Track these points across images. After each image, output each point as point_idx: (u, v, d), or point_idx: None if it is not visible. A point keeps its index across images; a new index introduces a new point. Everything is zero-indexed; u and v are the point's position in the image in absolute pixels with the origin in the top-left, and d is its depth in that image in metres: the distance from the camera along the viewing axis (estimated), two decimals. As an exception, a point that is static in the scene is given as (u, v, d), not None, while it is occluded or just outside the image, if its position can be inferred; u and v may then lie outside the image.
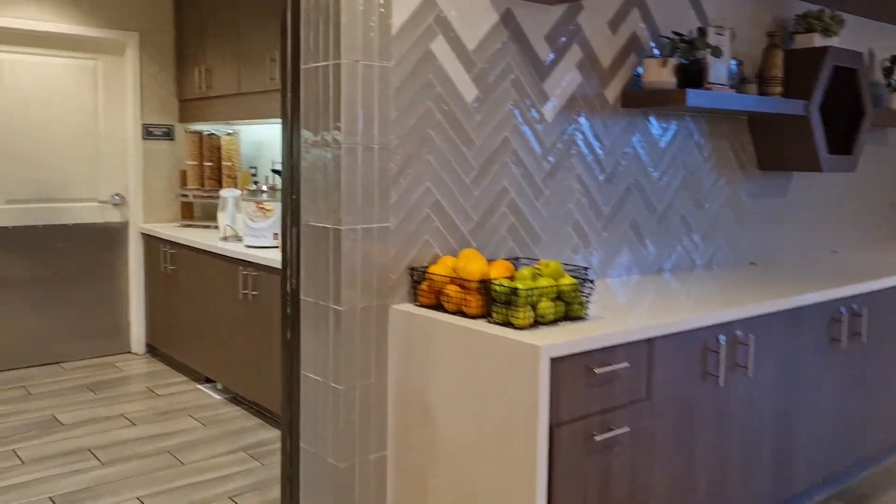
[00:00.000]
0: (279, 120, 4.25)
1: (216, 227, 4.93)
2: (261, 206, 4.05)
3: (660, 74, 2.98)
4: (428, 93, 2.48)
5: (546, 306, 2.21)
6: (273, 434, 3.81)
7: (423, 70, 2.46)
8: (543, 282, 2.24)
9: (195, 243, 4.40)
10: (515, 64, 2.69)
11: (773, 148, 3.64)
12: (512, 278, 2.33)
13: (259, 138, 5.13)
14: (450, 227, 2.58)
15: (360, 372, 2.41)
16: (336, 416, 2.40)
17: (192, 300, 4.55)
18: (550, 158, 2.83)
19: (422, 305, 2.45)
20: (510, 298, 2.17)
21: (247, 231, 4.09)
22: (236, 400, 4.30)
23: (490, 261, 2.62)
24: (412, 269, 2.48)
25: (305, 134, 2.44)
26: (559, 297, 2.27)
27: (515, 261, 2.76)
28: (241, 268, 3.99)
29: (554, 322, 2.25)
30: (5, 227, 4.75)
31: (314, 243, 2.44)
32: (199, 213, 5.33)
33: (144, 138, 5.07)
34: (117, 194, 5.11)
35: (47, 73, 4.83)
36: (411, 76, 2.43)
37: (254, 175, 5.09)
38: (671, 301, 2.65)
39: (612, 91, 3.02)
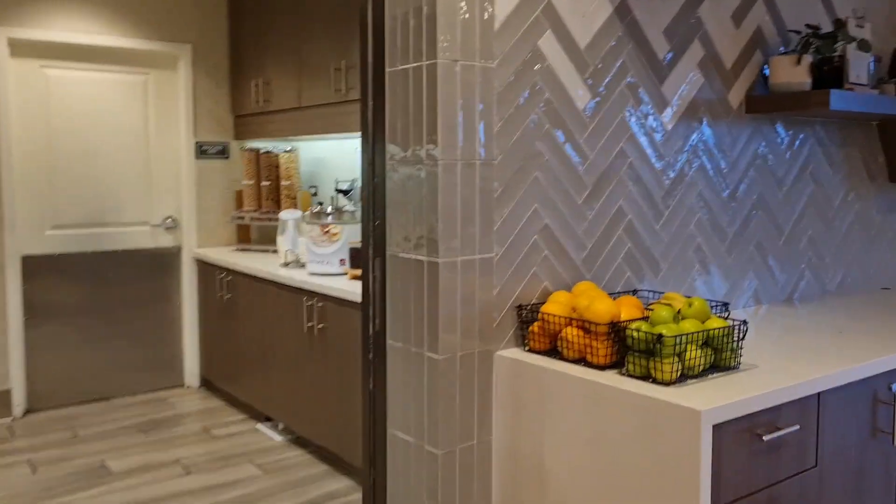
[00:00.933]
0: (343, 134, 3.91)
1: (275, 252, 4.60)
2: (326, 229, 3.70)
3: (793, 74, 2.55)
4: (536, 98, 2.09)
5: (695, 355, 1.79)
6: (342, 485, 3.43)
7: (531, 71, 2.07)
8: (689, 325, 1.83)
9: (253, 270, 4.07)
10: (632, 64, 2.29)
11: (910, 157, 3.17)
12: (646, 319, 1.92)
13: (320, 155, 4.80)
14: (561, 257, 2.18)
15: (462, 433, 2.02)
16: (433, 484, 2.00)
17: (250, 331, 4.21)
18: (671, 173, 2.42)
19: (532, 351, 2.05)
20: (652, 346, 1.76)
21: (310, 257, 3.75)
22: (299, 441, 3.94)
23: (610, 295, 2.22)
24: (520, 307, 2.09)
25: (392, 149, 2.07)
26: (706, 342, 1.85)
27: (634, 293, 2.35)
28: (305, 298, 3.64)
29: (703, 374, 1.83)
30: (51, 255, 4.48)
31: (403, 278, 2.06)
32: (256, 236, 5.01)
33: (198, 157, 4.78)
34: (170, 217, 4.82)
35: (96, 89, 4.56)
36: (517, 79, 2.05)
37: (315, 195, 4.76)
38: (824, 341, 2.21)
39: (736, 94, 2.60)
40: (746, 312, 2.63)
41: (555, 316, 1.98)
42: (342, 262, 3.71)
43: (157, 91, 4.72)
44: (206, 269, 4.69)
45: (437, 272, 1.94)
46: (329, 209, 3.75)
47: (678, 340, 1.74)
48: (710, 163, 2.53)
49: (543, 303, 2.12)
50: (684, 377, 1.80)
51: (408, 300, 2.05)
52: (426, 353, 2.00)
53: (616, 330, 1.87)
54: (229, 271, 4.38)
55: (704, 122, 2.50)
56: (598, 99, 2.22)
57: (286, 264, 4.07)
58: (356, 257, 3.61)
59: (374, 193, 2.19)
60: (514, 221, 2.07)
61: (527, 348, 2.07)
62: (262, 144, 4.87)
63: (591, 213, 2.24)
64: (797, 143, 2.82)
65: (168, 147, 4.78)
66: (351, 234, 3.73)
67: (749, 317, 2.57)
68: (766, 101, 2.60)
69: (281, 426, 4.12)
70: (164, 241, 4.82)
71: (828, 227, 2.98)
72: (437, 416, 1.98)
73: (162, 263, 4.81)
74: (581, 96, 2.18)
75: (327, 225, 3.70)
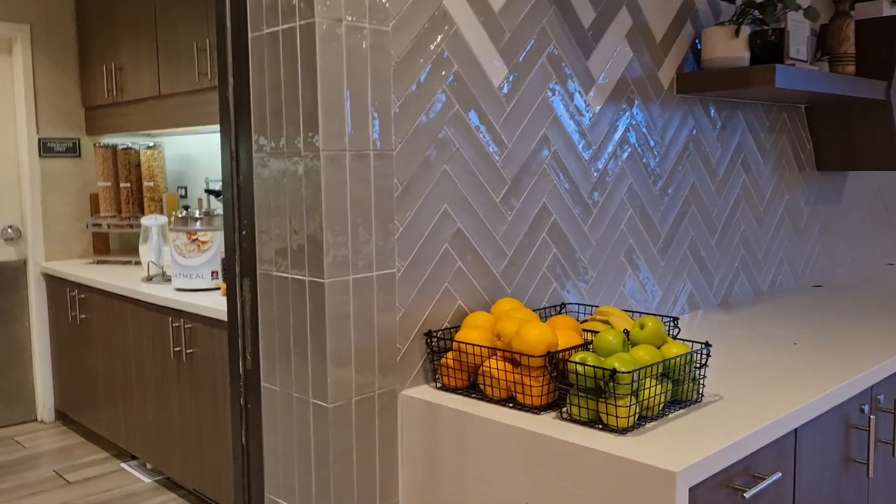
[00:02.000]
0: (211, 127, 3.38)
1: (138, 264, 4.01)
2: (194, 237, 3.17)
3: (730, 48, 2.23)
4: (442, 71, 1.67)
5: (654, 392, 1.42)
6: (221, 534, 2.93)
7: (435, 37, 1.65)
8: (644, 353, 1.45)
9: (110, 286, 3.49)
10: (553, 32, 1.90)
11: (839, 143, 2.94)
12: (588, 346, 1.53)
13: (187, 152, 4.24)
14: (477, 269, 1.77)
15: (360, 497, 1.58)
16: (326, 568, 1.56)
17: (109, 357, 3.62)
18: (599, 164, 2.05)
19: (447, 388, 1.63)
20: (602, 384, 1.38)
21: (176, 269, 3.21)
22: (171, 484, 3.39)
23: (536, 313, 1.83)
24: (430, 334, 1.67)
25: (260, 140, 1.61)
26: (664, 373, 1.48)
27: (563, 309, 1.96)
28: (171, 318, 3.10)
29: (662, 412, 1.46)
30: None
31: (279, 303, 1.60)
32: (116, 246, 4.39)
33: (42, 156, 4.12)
34: (10, 226, 4.14)
35: (-87, 79, 3.85)
36: (418, 46, 1.62)
37: (184, 196, 4.20)
38: (783, 357, 1.89)
39: (667, 72, 2.26)
40: (684, 322, 2.30)
41: (474, 346, 1.56)
42: (214, 274, 3.19)
43: (-9, 79, 4.04)
44: (57, 286, 4.04)
45: (322, 295, 1.49)
46: (197, 213, 3.22)
47: (636, 377, 1.36)
48: (641, 151, 2.19)
49: (458, 327, 1.71)
50: (642, 419, 1.42)
51: (286, 331, 1.59)
52: (312, 400, 1.55)
53: (553, 362, 1.47)
54: (83, 287, 3.76)
55: (635, 104, 2.15)
56: (516, 74, 1.82)
57: (149, 278, 3.51)
58: (225, 267, 3.10)
59: (238, 196, 1.71)
60: (419, 227, 1.65)
61: (439, 385, 1.65)
62: (121, 140, 4.26)
63: (511, 213, 1.84)
64: (728, 127, 2.52)
65: (4, 145, 4.10)
66: (223, 240, 3.21)
67: (686, 326, 2.24)
68: (699, 80, 2.27)
69: (150, 466, 3.56)
70: (5, 254, 4.14)
71: (759, 222, 2.70)
72: (327, 478, 1.53)
73: (4, 280, 4.13)
74: (497, 69, 1.78)
75: (195, 232, 3.17)
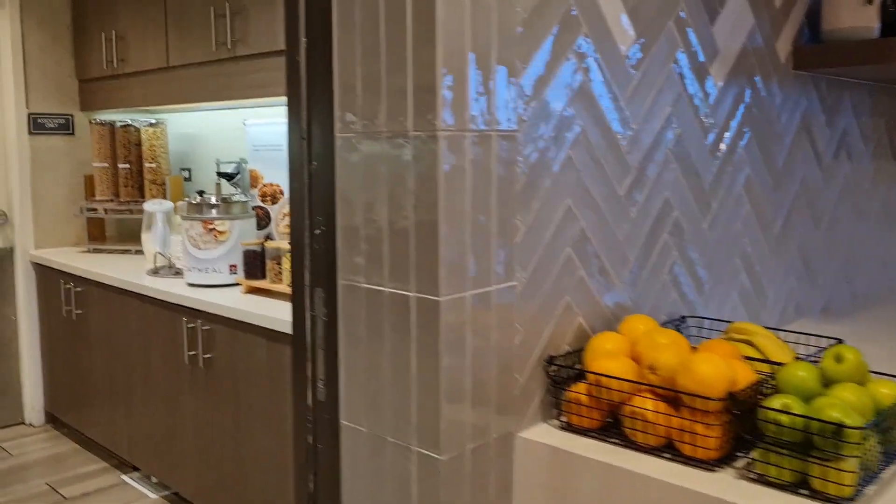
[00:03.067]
0: (227, 103, 3.02)
1: (138, 253, 3.64)
2: (210, 226, 2.82)
3: (858, 17, 1.92)
4: (570, 32, 1.34)
5: (872, 446, 1.10)
6: (244, 563, 2.60)
7: (564, -10, 1.32)
8: (849, 395, 1.14)
9: (111, 279, 3.12)
10: (681, -10, 1.58)
11: (938, 129, 2.64)
12: (766, 383, 1.22)
13: (192, 130, 3.86)
14: (600, 278, 1.45)
15: (475, 571, 1.26)
16: None
17: (110, 358, 3.27)
18: (719, 151, 1.73)
19: (574, 429, 1.31)
20: (817, 439, 1.06)
21: (190, 262, 2.85)
22: (180, 500, 3.05)
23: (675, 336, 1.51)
24: (552, 360, 1.34)
25: (347, 116, 1.27)
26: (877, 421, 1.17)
27: (682, 324, 1.65)
28: (185, 318, 2.75)
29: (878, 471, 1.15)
30: None
31: (371, 322, 1.27)
32: (112, 233, 4.01)
33: (32, 133, 3.73)
34: (-3, 210, 3.76)
35: None
36: (545, 1, 1.29)
37: (188, 180, 3.83)
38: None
39: (784, 44, 1.93)
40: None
41: (618, 380, 1.24)
42: (233, 269, 2.84)
43: (-26, 47, 3.63)
44: (48, 277, 3.67)
45: (435, 315, 1.16)
46: (213, 199, 2.86)
47: (867, 431, 1.05)
48: (759, 136, 1.87)
49: (580, 350, 1.39)
50: (863, 483, 1.11)
51: (379, 358, 1.26)
52: (416, 448, 1.22)
53: (741, 407, 1.15)
54: (79, 279, 3.39)
55: (756, 80, 1.83)
56: (644, 39, 1.49)
57: (155, 271, 3.15)
58: (252, 263, 2.75)
59: (310, 185, 1.37)
60: (541, 228, 1.32)
61: (564, 424, 1.33)
62: (119, 117, 3.87)
63: (635, 209, 1.51)
64: (837, 110, 2.20)
65: (-9, 120, 3.70)
66: (243, 231, 2.86)
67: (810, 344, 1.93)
68: (820, 53, 1.96)
69: (155, 479, 3.21)
70: (-10, 240, 3.75)
71: (859, 218, 2.40)
72: (434, 549, 1.21)
73: (-12, 269, 3.75)
74: (624, 33, 1.45)
75: (212, 220, 2.82)
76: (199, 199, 2.87)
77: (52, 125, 3.76)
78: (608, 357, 1.28)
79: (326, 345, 1.37)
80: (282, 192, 3.12)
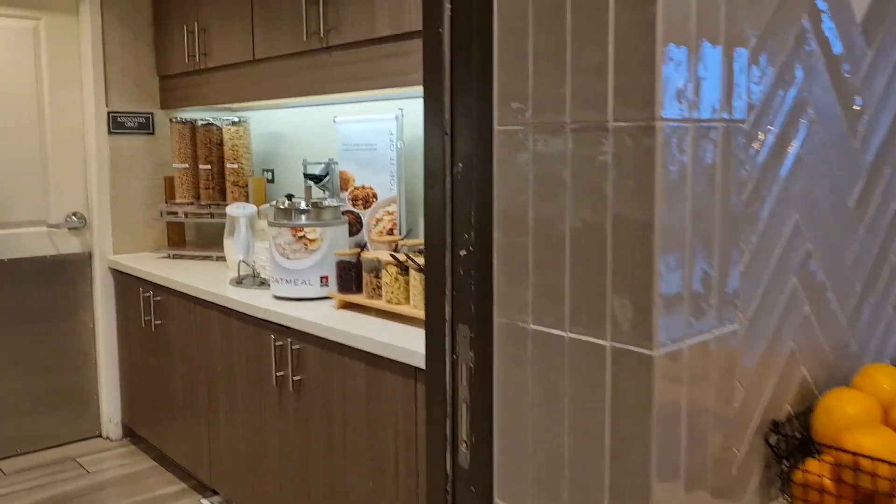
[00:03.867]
0: (319, 99, 2.76)
1: (220, 259, 3.42)
2: (300, 233, 2.56)
3: None
4: (806, -8, 1.01)
5: None
6: None
7: (801, -67, 0.99)
8: None
9: (193, 289, 2.90)
10: (918, -58, 1.22)
11: None
12: None
13: (274, 128, 3.63)
14: (825, 316, 1.11)
15: None
16: None
17: (191, 373, 3.04)
18: (950, 148, 1.37)
19: (811, 523, 0.98)
20: None
21: (276, 273, 2.60)
22: (264, 530, 2.80)
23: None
24: (776, 427, 1.01)
25: (514, 104, 0.96)
26: None
27: (909, 368, 1.29)
28: (273, 335, 2.49)
29: None
30: None
31: (543, 377, 0.96)
32: (191, 237, 3.81)
33: (112, 132, 3.54)
34: (74, 214, 3.58)
35: (-35, 41, 3.30)
36: (778, -54, 0.96)
37: (270, 181, 3.60)
38: None
39: None
40: None
41: (889, 464, 0.90)
42: (324, 280, 2.57)
43: (53, 43, 3.46)
44: (127, 284, 3.48)
45: (647, 373, 0.85)
46: (302, 203, 2.60)
47: None
48: None
49: (807, 411, 1.05)
50: None
51: (554, 424, 0.95)
52: (608, 550, 0.90)
53: None
54: (159, 288, 3.19)
55: None
56: (879, 4, 1.15)
57: (239, 280, 2.91)
58: (346, 276, 2.48)
59: (452, 193, 1.07)
60: (766, 251, 0.99)
61: (793, 513, 1.00)
62: (200, 115, 3.67)
63: (862, 224, 1.17)
64: None
65: (69, 119, 3.53)
66: (335, 239, 2.59)
67: None
68: None
69: (236, 505, 2.98)
70: (69, 245, 3.58)
71: None
72: None
73: (66, 276, 3.58)
74: (863, -4, 1.11)
75: (302, 227, 2.56)
76: (287, 203, 2.62)
77: (131, 124, 3.58)
78: (861, 428, 0.95)
79: (474, 398, 1.07)
80: (375, 196, 2.85)
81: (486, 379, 1.04)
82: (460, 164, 1.05)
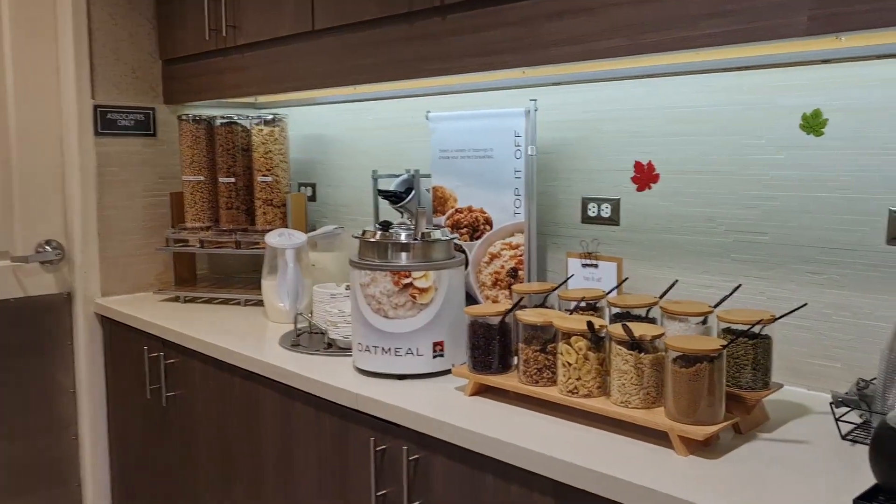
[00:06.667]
0: (395, 85, 1.98)
1: (251, 304, 2.57)
2: (405, 279, 1.73)
3: None
4: None
5: None
6: None
7: None
8: None
9: (228, 353, 2.05)
10: None
11: None
12: None
13: (314, 130, 2.80)
14: None
15: None
16: None
17: (223, 470, 2.19)
18: None
19: None
20: None
21: (366, 336, 1.77)
22: None
23: None
24: None
25: None
26: None
27: None
28: (372, 435, 1.66)
29: None
30: None
31: None
32: (204, 271, 2.94)
33: (99, 134, 2.66)
34: (48, 242, 2.70)
35: None
36: None
37: (311, 199, 2.79)
38: None
39: None
40: None
41: None
42: (437, 348, 1.75)
43: (19, 13, 2.58)
44: (122, 337, 2.60)
45: None
46: (402, 234, 1.78)
47: None
48: None
49: None
50: None
51: None
52: None
53: None
54: (170, 346, 2.33)
55: None
56: None
57: (297, 340, 2.07)
58: (484, 346, 1.66)
59: None
60: None
61: None
62: (219, 111, 2.81)
63: None
64: None
65: (41, 116, 2.64)
66: (451, 287, 1.78)
67: None
68: None
69: None
70: (40, 284, 2.69)
71: None
72: None
73: (38, 324, 2.69)
74: None
75: (408, 272, 1.73)
76: (379, 233, 1.79)
77: (125, 122, 2.70)
78: None
79: None
80: (489, 222, 2.04)
81: None
82: None
